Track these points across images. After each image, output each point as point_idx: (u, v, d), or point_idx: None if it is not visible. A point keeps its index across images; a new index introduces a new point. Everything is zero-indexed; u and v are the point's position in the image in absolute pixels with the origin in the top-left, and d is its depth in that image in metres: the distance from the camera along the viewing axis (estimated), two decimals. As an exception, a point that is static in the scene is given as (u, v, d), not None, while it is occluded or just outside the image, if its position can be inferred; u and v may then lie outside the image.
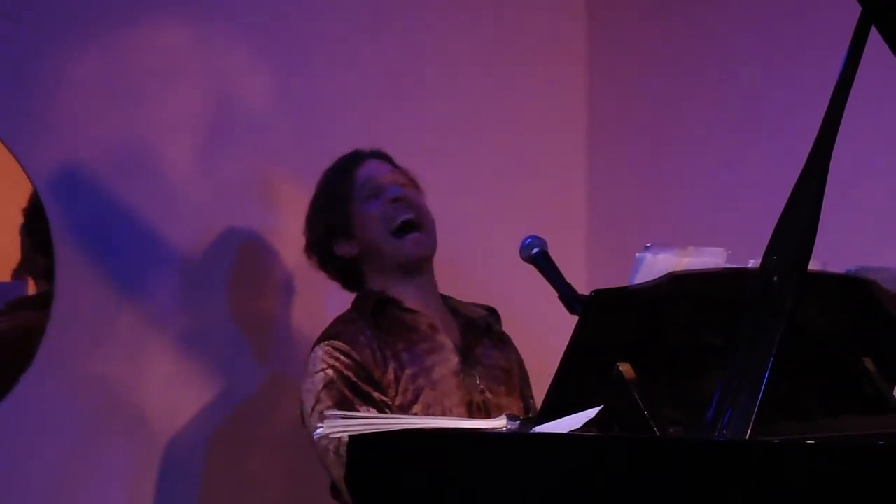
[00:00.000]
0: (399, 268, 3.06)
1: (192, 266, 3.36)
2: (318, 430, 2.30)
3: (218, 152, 3.42)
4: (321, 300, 3.51)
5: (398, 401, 2.92)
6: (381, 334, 2.98)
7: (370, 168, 3.13)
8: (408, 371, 2.95)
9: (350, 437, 2.33)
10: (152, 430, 3.28)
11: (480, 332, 3.11)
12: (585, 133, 4.08)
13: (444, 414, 2.91)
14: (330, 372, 2.91)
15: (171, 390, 3.30)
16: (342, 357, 2.93)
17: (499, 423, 2.30)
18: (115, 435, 3.23)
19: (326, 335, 3.00)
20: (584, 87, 4.09)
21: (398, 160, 3.16)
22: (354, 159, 3.15)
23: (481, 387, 3.01)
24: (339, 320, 3.05)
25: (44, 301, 3.12)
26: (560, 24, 4.08)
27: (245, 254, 3.44)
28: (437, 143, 3.68)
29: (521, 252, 2.92)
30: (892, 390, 2.54)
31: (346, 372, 2.91)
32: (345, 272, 3.15)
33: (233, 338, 3.41)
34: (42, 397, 3.12)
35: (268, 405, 3.46)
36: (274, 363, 3.47)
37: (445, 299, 3.16)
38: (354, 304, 3.09)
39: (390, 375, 2.94)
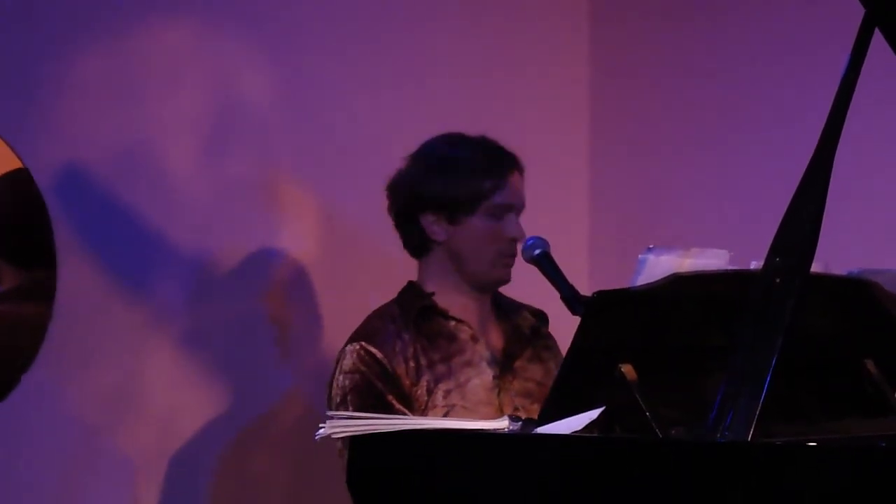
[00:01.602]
0: (471, 282, 2.99)
1: (194, 266, 3.36)
2: (320, 431, 2.30)
3: (220, 151, 3.42)
4: (324, 299, 3.51)
5: (429, 416, 2.87)
6: (420, 339, 2.92)
7: (516, 187, 2.98)
8: (441, 386, 2.89)
9: (351, 438, 2.33)
10: (155, 431, 3.27)
11: (525, 341, 3.04)
12: (588, 134, 4.08)
13: None
14: (357, 377, 2.87)
15: (173, 390, 3.30)
16: (374, 364, 2.87)
17: (501, 423, 2.30)
18: (118, 435, 3.23)
19: (363, 332, 2.93)
20: (586, 89, 4.09)
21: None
22: (511, 164, 2.98)
23: (516, 405, 2.94)
24: (379, 315, 2.97)
25: (45, 298, 3.11)
26: (563, 25, 4.08)
27: (248, 253, 3.44)
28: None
29: (523, 253, 2.91)
30: (894, 392, 2.54)
31: (376, 381, 2.86)
32: (413, 239, 3.01)
33: (236, 337, 3.41)
34: (44, 396, 3.12)
35: (271, 404, 3.45)
36: (277, 362, 3.47)
37: (498, 297, 3.06)
38: (399, 298, 3.01)
39: (422, 388, 2.89)
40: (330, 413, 2.38)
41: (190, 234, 3.35)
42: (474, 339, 2.97)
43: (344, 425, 2.30)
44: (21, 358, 3.10)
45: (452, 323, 2.97)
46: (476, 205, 2.94)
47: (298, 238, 3.50)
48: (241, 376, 3.41)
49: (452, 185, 2.95)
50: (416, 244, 3.01)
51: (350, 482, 2.41)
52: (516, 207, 2.98)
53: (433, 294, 2.98)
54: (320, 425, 2.32)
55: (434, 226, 2.96)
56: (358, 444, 2.34)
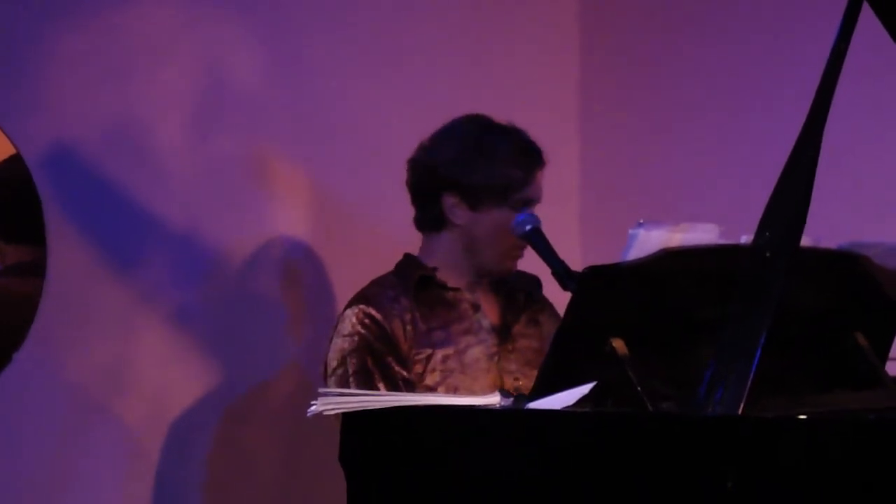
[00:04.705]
0: (477, 269, 2.98)
1: (185, 243, 3.35)
2: (312, 408, 2.30)
3: (209, 128, 3.42)
4: (315, 276, 3.51)
5: (426, 380, 2.88)
6: (419, 307, 2.93)
7: (540, 182, 2.98)
8: (439, 352, 2.91)
9: (344, 414, 2.34)
10: (147, 407, 3.27)
11: (519, 308, 3.04)
12: (578, 109, 4.08)
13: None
14: (357, 339, 2.88)
15: (165, 366, 3.30)
16: (372, 325, 2.88)
17: (492, 399, 2.30)
18: (111, 412, 3.23)
19: (361, 296, 2.94)
20: (576, 63, 4.09)
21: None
22: (540, 159, 2.99)
23: (516, 373, 2.95)
24: (377, 282, 2.98)
25: (35, 275, 3.11)
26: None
27: (238, 230, 3.44)
28: (430, 117, 3.66)
29: (514, 229, 2.91)
30: (884, 365, 2.55)
31: (375, 343, 2.87)
32: (429, 216, 2.99)
33: (226, 314, 3.40)
34: (36, 374, 3.12)
35: (262, 380, 3.46)
36: (265, 338, 3.47)
37: None
38: (398, 268, 3.01)
39: (420, 352, 2.90)
40: (322, 390, 2.38)
41: (180, 211, 3.34)
42: (474, 307, 2.98)
43: (336, 402, 2.31)
44: (12, 336, 3.10)
45: (451, 293, 2.97)
46: (504, 196, 2.93)
47: (289, 215, 3.49)
48: (231, 353, 3.41)
49: (485, 173, 2.93)
50: (431, 221, 3.00)
51: (342, 458, 2.41)
52: (536, 202, 2.98)
53: (435, 269, 2.98)
54: (312, 402, 2.32)
55: (455, 208, 2.95)
56: (350, 421, 2.35)
